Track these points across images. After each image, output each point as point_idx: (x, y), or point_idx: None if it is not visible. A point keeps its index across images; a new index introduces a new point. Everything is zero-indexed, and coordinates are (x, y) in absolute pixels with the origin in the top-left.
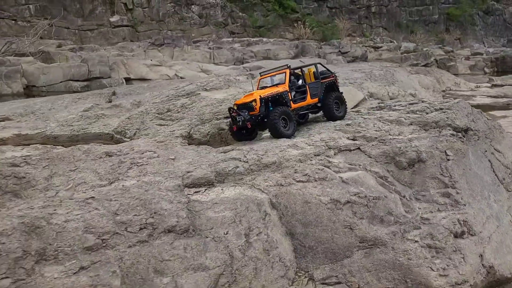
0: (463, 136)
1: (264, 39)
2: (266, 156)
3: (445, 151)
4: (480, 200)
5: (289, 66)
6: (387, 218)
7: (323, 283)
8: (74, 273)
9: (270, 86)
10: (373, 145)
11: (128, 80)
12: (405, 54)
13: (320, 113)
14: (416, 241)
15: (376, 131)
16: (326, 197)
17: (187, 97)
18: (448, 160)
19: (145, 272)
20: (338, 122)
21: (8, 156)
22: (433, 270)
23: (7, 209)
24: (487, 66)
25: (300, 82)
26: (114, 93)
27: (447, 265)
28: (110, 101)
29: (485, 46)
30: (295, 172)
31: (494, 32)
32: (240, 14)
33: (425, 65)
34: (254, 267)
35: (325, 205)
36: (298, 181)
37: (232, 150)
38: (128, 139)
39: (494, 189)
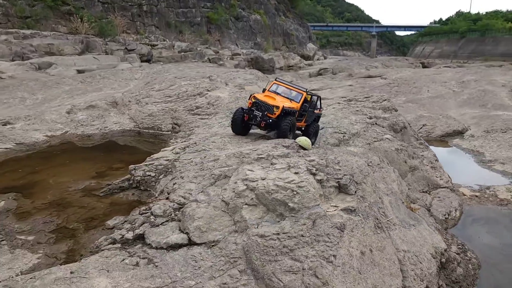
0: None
1: (42, 33)
2: (350, 129)
3: (407, 121)
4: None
5: (307, 90)
6: (415, 155)
7: None
8: None
9: (282, 96)
10: (380, 121)
11: None
12: (183, 53)
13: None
14: (427, 165)
15: (371, 113)
16: (392, 147)
17: (202, 96)
18: (410, 126)
19: (372, 196)
20: (350, 108)
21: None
22: (437, 177)
23: None
24: (246, 65)
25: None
26: None
27: (441, 175)
28: None
29: (238, 48)
30: (369, 137)
31: (244, 36)
32: (1, 1)
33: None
34: (398, 183)
35: (393, 151)
36: (374, 141)
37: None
38: (168, 132)
39: None
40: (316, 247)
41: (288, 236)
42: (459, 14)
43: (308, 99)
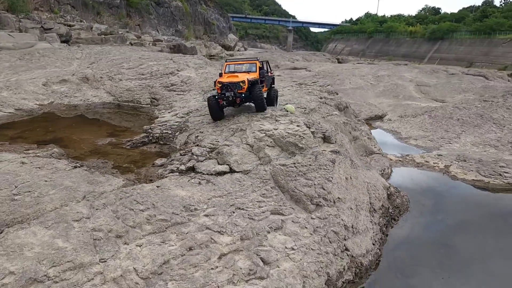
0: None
1: None
2: (309, 106)
3: (348, 103)
4: None
5: (258, 58)
6: (356, 128)
7: None
8: None
9: (240, 72)
10: (328, 100)
11: None
12: (104, 36)
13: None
14: (364, 136)
15: (320, 95)
16: (340, 120)
17: (174, 75)
18: (350, 106)
19: (342, 147)
20: (303, 90)
21: None
22: (372, 146)
23: None
24: (169, 52)
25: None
26: None
27: (375, 144)
28: None
29: (159, 34)
30: (323, 112)
31: (165, 22)
32: None
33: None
34: (350, 146)
35: (342, 124)
36: (328, 116)
37: (288, 104)
38: (147, 105)
39: None
40: (320, 172)
41: (301, 165)
42: (368, 15)
43: (260, 66)
